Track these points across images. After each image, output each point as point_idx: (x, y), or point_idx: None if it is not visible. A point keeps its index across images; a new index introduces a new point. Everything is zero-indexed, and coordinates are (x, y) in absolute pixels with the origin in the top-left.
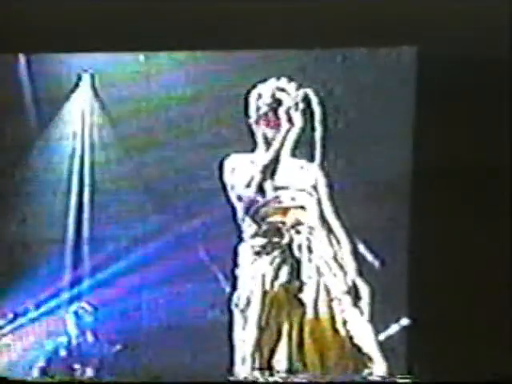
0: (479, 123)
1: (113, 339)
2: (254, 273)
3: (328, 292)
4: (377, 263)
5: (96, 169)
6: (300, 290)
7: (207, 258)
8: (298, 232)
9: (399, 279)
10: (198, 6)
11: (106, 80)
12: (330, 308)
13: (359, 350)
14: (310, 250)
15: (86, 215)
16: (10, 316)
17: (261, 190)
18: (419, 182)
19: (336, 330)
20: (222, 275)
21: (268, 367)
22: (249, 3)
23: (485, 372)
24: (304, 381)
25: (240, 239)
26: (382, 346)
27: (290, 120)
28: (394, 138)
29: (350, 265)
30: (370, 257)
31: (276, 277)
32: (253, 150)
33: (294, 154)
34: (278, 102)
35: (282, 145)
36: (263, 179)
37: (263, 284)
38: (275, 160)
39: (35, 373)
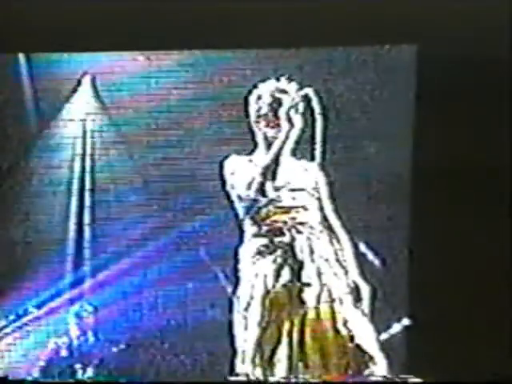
0: (479, 123)
1: (113, 339)
2: (256, 273)
3: (329, 292)
4: (377, 263)
5: (96, 169)
6: (301, 289)
7: (208, 257)
8: (299, 232)
9: (399, 279)
10: (197, 5)
11: (107, 80)
12: (331, 308)
13: (360, 349)
14: (311, 249)
15: (86, 215)
16: (12, 316)
17: (261, 190)
18: (419, 182)
19: (337, 330)
20: (223, 275)
21: (269, 367)
22: (249, 3)
23: (485, 372)
24: (304, 381)
25: (241, 239)
26: (382, 345)
27: (290, 120)
28: (394, 138)
29: (351, 264)
30: (370, 256)
31: (277, 277)
32: (253, 151)
33: (294, 154)
34: (278, 102)
35: (282, 145)
36: (264, 179)
37: (265, 284)
38: (275, 160)
39: (36, 373)
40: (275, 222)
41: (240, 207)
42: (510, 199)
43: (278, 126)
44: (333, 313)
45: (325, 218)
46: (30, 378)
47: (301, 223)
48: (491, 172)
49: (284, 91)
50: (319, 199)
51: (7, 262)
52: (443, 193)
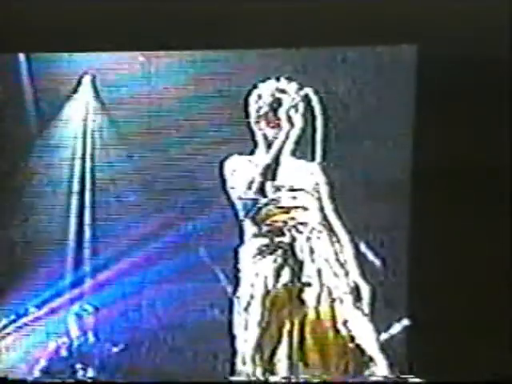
0: (479, 123)
1: (114, 339)
2: (256, 273)
3: (329, 292)
4: (377, 263)
5: (97, 168)
6: (301, 289)
7: (208, 257)
8: (299, 232)
9: (399, 279)
10: (197, 6)
11: (107, 80)
12: (332, 308)
13: (360, 349)
14: (311, 250)
15: (86, 215)
16: (12, 316)
17: (262, 190)
18: (419, 181)
19: (337, 330)
20: (223, 275)
21: (269, 367)
22: (249, 3)
23: (485, 372)
24: (304, 381)
25: (241, 239)
26: (383, 346)
27: (290, 120)
28: (394, 138)
29: (351, 264)
30: (370, 256)
31: (277, 277)
32: (253, 150)
33: (294, 154)
34: (278, 102)
35: (282, 145)
36: (264, 179)
37: (265, 284)
38: (276, 160)
39: (36, 373)
40: (275, 222)
41: (240, 207)
42: (510, 199)
43: (278, 125)
44: (333, 313)
45: (325, 218)
46: (30, 378)
47: (301, 223)
48: (491, 172)
49: (284, 91)
50: (319, 199)
51: (7, 262)
52: (443, 193)
